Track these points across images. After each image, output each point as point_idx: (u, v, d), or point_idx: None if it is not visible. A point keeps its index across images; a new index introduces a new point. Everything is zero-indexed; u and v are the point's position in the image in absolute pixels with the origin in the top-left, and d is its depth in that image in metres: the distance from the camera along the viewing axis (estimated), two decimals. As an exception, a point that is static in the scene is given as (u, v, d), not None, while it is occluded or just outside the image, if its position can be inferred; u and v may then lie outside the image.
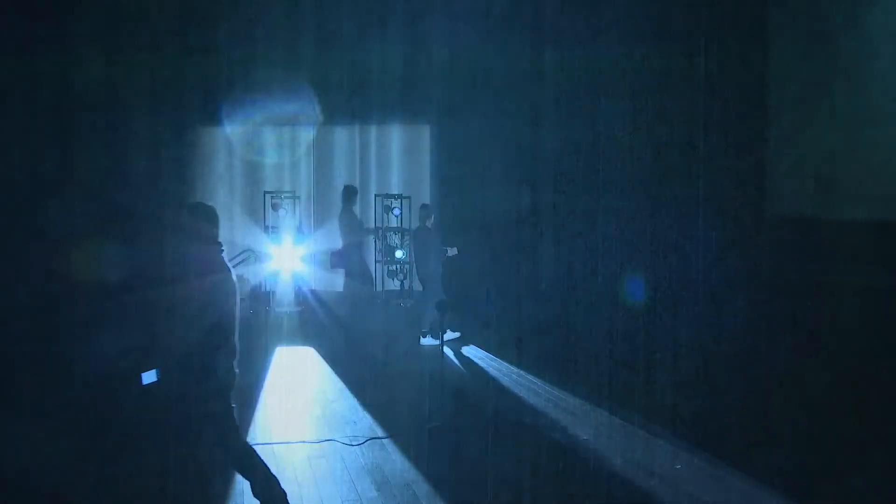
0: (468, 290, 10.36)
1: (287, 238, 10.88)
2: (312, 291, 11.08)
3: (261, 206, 11.51)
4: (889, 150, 8.01)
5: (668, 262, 9.72)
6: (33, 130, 9.25)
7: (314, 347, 8.19)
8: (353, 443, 4.99)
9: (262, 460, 3.83)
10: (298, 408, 5.95)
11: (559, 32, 10.22)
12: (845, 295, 7.87)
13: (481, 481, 4.41)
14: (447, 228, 10.31)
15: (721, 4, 9.42)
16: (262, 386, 6.53)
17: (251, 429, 5.31)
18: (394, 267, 11.64)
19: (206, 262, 3.72)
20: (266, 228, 11.17)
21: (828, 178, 8.60)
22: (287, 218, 11.08)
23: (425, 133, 12.45)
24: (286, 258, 10.79)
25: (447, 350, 7.94)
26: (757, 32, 9.31)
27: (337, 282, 12.03)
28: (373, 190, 12.34)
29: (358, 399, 6.10)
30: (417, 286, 11.81)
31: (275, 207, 11.11)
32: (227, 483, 4.33)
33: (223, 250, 3.87)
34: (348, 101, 11.62)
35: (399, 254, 11.37)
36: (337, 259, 11.58)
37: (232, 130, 11.78)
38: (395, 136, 12.54)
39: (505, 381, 6.76)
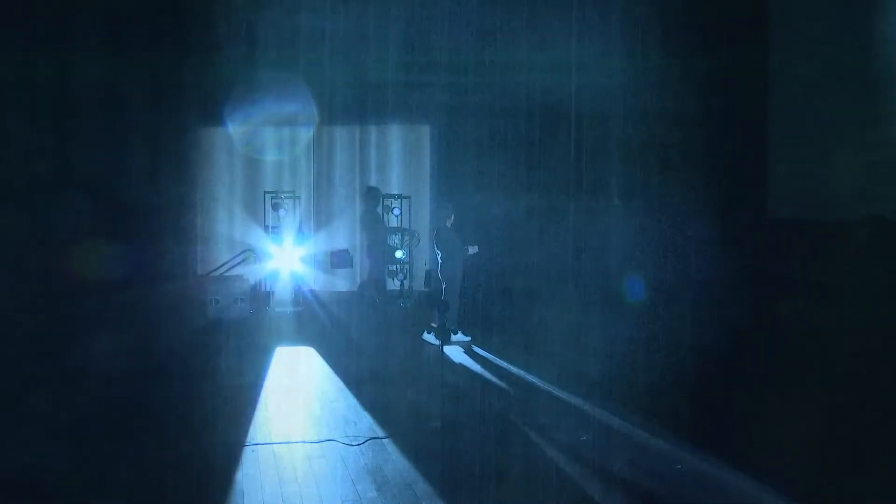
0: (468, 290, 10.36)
1: (287, 238, 10.89)
2: (312, 291, 11.08)
3: (261, 206, 11.52)
4: (889, 150, 8.01)
5: (668, 262, 9.73)
6: (33, 130, 9.25)
7: (314, 347, 8.19)
8: (353, 443, 4.99)
9: None
10: (298, 408, 5.95)
11: (559, 31, 10.22)
12: (845, 295, 7.88)
13: (481, 481, 4.41)
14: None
15: (721, 4, 9.43)
16: (262, 386, 6.53)
17: (251, 429, 5.31)
18: (394, 267, 11.63)
19: None
20: (266, 228, 11.18)
21: (828, 179, 8.60)
22: (287, 218, 11.08)
23: (425, 133, 12.46)
24: (286, 258, 10.79)
25: (447, 350, 7.94)
26: (757, 32, 9.31)
27: (336, 282, 12.04)
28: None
29: (358, 399, 6.10)
30: (417, 286, 11.82)
31: (275, 207, 11.11)
32: (228, 483, 4.33)
33: None
34: (348, 101, 11.63)
35: (399, 254, 11.37)
36: (336, 259, 11.59)
37: (232, 130, 11.78)
38: (395, 136, 12.54)
39: (505, 380, 6.76)
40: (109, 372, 6.75)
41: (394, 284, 11.69)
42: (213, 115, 11.46)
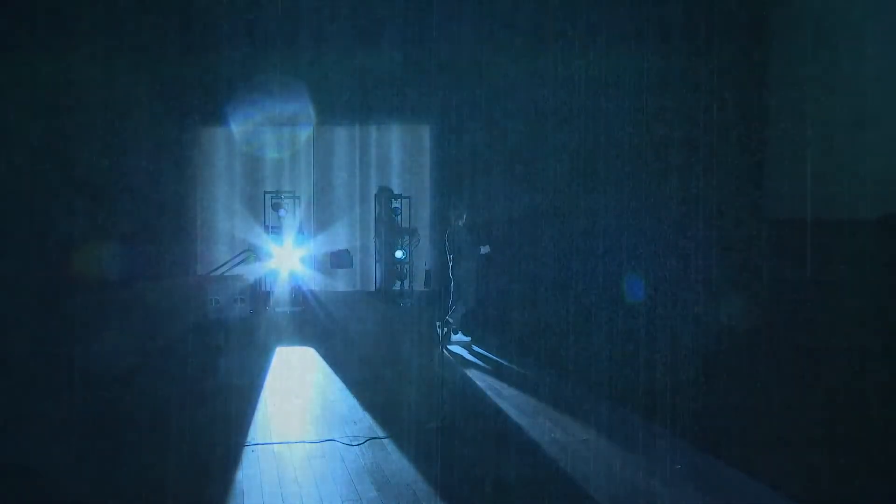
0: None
1: (287, 238, 10.89)
2: (312, 291, 11.08)
3: (261, 206, 11.52)
4: (889, 150, 8.01)
5: (668, 262, 9.73)
6: (33, 130, 9.25)
7: (314, 347, 8.19)
8: (353, 443, 4.99)
9: None
10: (298, 408, 5.95)
11: (559, 32, 10.22)
12: (845, 295, 7.88)
13: (481, 481, 4.41)
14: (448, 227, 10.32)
15: (721, 4, 9.43)
16: (262, 386, 6.54)
17: (251, 429, 5.31)
18: (394, 267, 11.64)
19: None
20: (266, 228, 11.17)
21: (827, 178, 8.60)
22: (287, 218, 11.08)
23: (425, 133, 12.46)
24: (286, 258, 10.79)
25: (447, 350, 7.94)
26: (757, 32, 9.31)
27: (336, 282, 12.04)
28: (373, 190, 12.35)
29: (358, 399, 6.10)
30: (418, 286, 11.82)
31: (275, 207, 11.11)
32: (228, 483, 4.33)
33: None
34: (348, 101, 11.63)
35: (399, 254, 11.37)
36: (336, 259, 11.59)
37: (232, 130, 11.78)
38: (395, 136, 12.54)
39: (505, 380, 6.76)
40: (109, 372, 6.76)
41: (394, 284, 11.70)
42: (214, 114, 11.47)
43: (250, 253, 11.03)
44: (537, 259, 10.61)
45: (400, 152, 12.54)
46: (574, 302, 9.91)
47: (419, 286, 11.85)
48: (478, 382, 6.71)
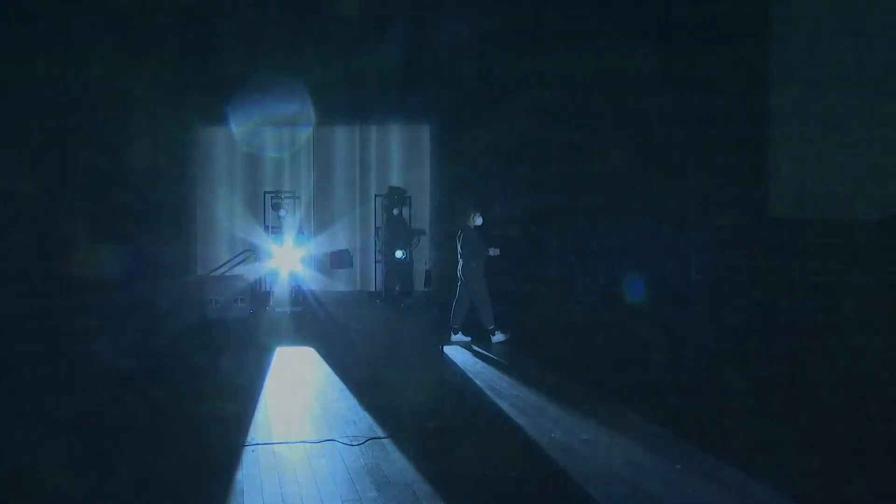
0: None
1: (287, 238, 10.89)
2: (311, 291, 11.09)
3: (261, 206, 11.52)
4: (889, 150, 8.01)
5: (668, 262, 9.73)
6: (33, 130, 9.25)
7: (314, 347, 8.19)
8: (353, 443, 4.99)
9: None
10: (298, 408, 5.95)
11: (559, 32, 10.22)
12: (845, 295, 7.88)
13: (481, 481, 4.41)
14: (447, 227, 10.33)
15: (721, 4, 9.43)
16: (262, 386, 6.53)
17: (251, 429, 5.31)
18: (400, 268, 11.64)
19: None
20: (266, 228, 11.18)
21: (828, 179, 8.61)
22: (287, 218, 11.09)
23: (425, 133, 12.46)
24: (286, 258, 10.80)
25: (447, 350, 7.94)
26: (757, 32, 9.31)
27: (336, 282, 12.04)
28: (373, 190, 12.35)
29: (358, 399, 6.09)
30: (418, 286, 11.83)
31: (275, 207, 11.11)
32: (228, 483, 4.33)
33: None
34: (348, 101, 11.63)
35: (399, 254, 11.37)
36: (336, 259, 11.59)
37: (232, 130, 11.79)
38: (395, 136, 12.55)
39: (505, 380, 6.76)
40: (109, 371, 6.76)
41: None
42: (214, 114, 11.47)
43: (250, 253, 11.03)
44: (536, 258, 10.61)
45: (400, 152, 12.54)
46: (574, 301, 9.92)
47: (419, 286, 11.86)
48: (478, 382, 6.70)
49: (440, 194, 12.00)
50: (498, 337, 8.32)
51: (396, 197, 11.53)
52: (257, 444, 4.99)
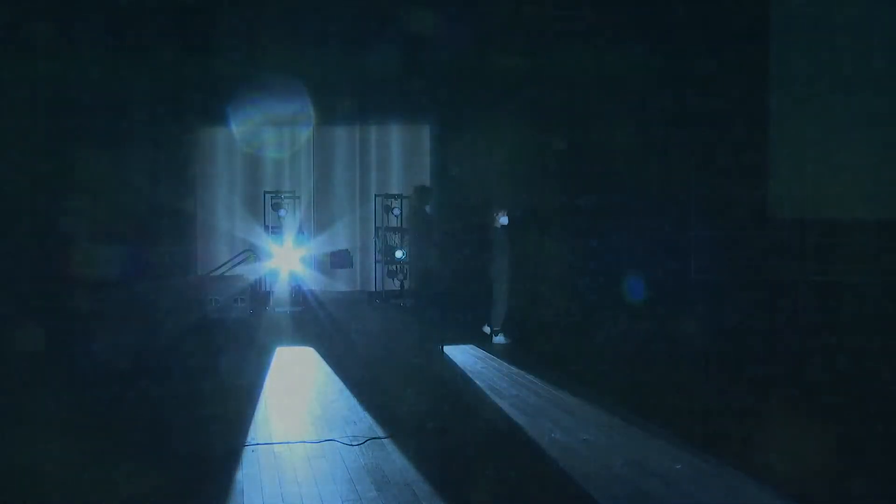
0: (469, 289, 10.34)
1: (287, 238, 10.89)
2: (311, 291, 11.09)
3: (261, 206, 11.52)
4: (889, 150, 8.01)
5: (669, 262, 9.73)
6: (33, 130, 9.25)
7: (314, 347, 8.19)
8: (353, 443, 4.99)
9: None
10: (298, 408, 5.95)
11: (559, 32, 10.22)
12: (845, 295, 7.88)
13: (481, 481, 4.41)
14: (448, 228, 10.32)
15: (721, 4, 9.43)
16: (262, 386, 6.53)
17: (251, 429, 5.31)
18: (393, 267, 11.64)
19: None
20: (266, 228, 11.18)
21: (828, 179, 8.61)
22: (287, 218, 11.09)
23: (425, 133, 12.46)
24: (286, 258, 10.79)
25: (447, 350, 7.93)
26: (757, 32, 9.31)
27: (336, 282, 12.04)
28: (373, 190, 12.35)
29: (358, 399, 6.10)
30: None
31: (275, 207, 11.11)
32: (228, 483, 4.33)
33: None
34: (348, 101, 11.63)
35: (399, 254, 11.37)
36: (336, 259, 11.59)
37: (232, 130, 11.78)
38: (395, 136, 12.54)
39: (505, 380, 6.76)
40: (109, 371, 6.76)
41: (394, 284, 11.70)
42: (214, 114, 11.47)
43: (250, 253, 11.04)
44: (536, 258, 10.60)
45: (400, 152, 12.54)
46: (574, 301, 9.91)
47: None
48: (478, 382, 6.70)
49: (439, 194, 11.98)
50: (499, 339, 8.37)
51: (423, 195, 11.35)
52: (257, 444, 4.99)
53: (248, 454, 4.79)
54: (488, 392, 6.36)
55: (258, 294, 10.80)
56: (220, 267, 11.10)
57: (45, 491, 4.24)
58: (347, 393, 6.31)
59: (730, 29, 9.30)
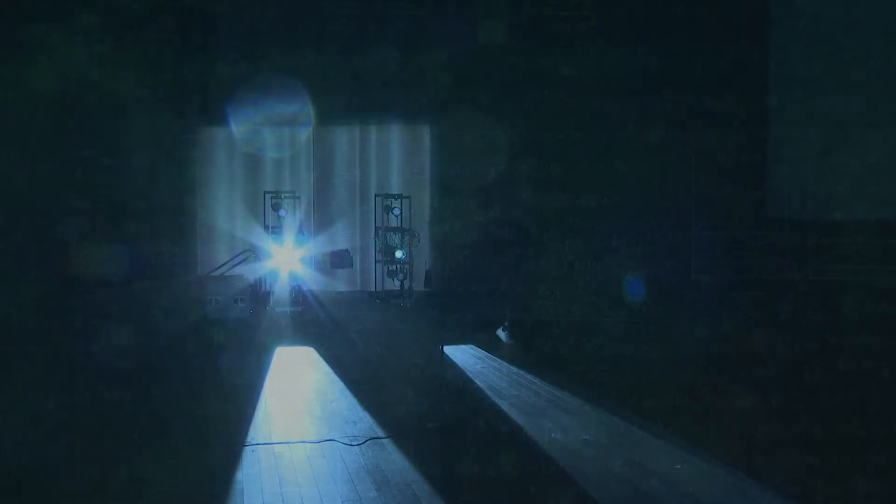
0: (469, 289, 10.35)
1: (287, 238, 10.89)
2: (311, 291, 11.09)
3: (261, 206, 11.52)
4: (889, 150, 8.01)
5: (669, 262, 9.73)
6: (33, 130, 9.25)
7: (314, 347, 8.18)
8: (353, 443, 4.99)
9: None
10: (298, 408, 5.95)
11: (559, 32, 10.22)
12: (845, 295, 7.88)
13: (481, 481, 4.41)
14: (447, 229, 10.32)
15: (721, 4, 9.43)
16: (262, 386, 6.53)
17: (251, 429, 5.31)
18: (393, 267, 11.64)
19: None
20: (266, 228, 11.17)
21: (827, 179, 8.61)
22: (287, 218, 11.09)
23: (425, 133, 12.45)
24: (286, 258, 10.79)
25: (447, 350, 7.93)
26: (757, 32, 9.32)
27: (336, 282, 12.04)
28: (373, 190, 12.34)
29: (358, 399, 6.10)
30: (418, 286, 11.82)
31: (275, 207, 11.11)
32: (228, 483, 4.33)
33: None
34: (348, 101, 11.62)
35: (399, 254, 11.37)
36: (336, 259, 11.59)
37: (232, 130, 11.78)
38: (395, 136, 12.54)
39: (505, 380, 6.76)
40: (109, 371, 6.76)
41: (394, 284, 11.70)
42: (214, 114, 11.46)
43: (250, 253, 11.03)
44: (537, 258, 10.60)
45: (400, 152, 12.53)
46: (574, 301, 9.91)
47: (419, 286, 11.85)
48: (478, 382, 6.70)
49: (439, 194, 11.99)
50: (503, 335, 8.38)
51: None
52: (257, 444, 4.99)
53: (248, 454, 4.80)
54: (488, 392, 6.36)
55: (258, 294, 10.80)
56: (220, 267, 11.10)
57: (45, 491, 4.24)
58: (347, 393, 6.31)
59: (730, 29, 9.30)
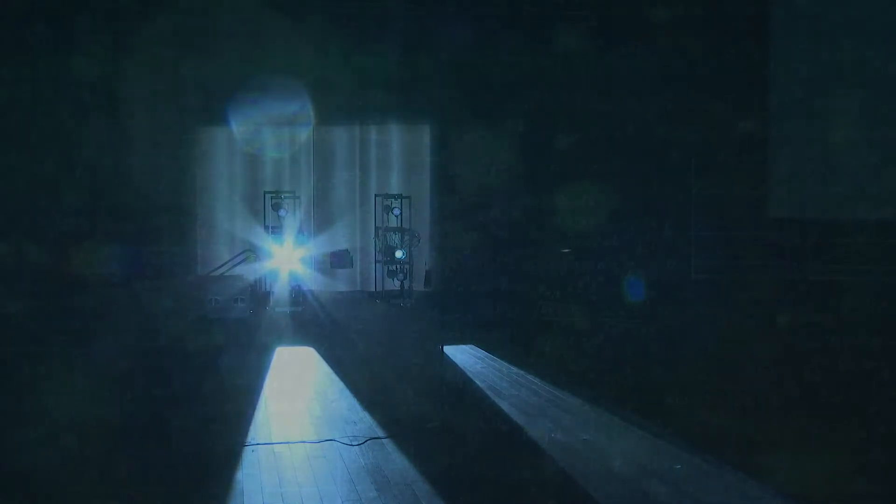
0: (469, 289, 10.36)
1: (287, 238, 10.89)
2: (311, 291, 11.08)
3: (261, 206, 11.51)
4: (889, 150, 8.01)
5: (669, 262, 9.73)
6: (33, 130, 9.25)
7: (314, 347, 8.19)
8: (353, 443, 4.99)
9: None
10: (298, 408, 5.95)
11: (559, 32, 10.22)
12: (845, 295, 7.88)
13: (481, 481, 4.41)
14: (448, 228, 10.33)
15: (721, 4, 9.43)
16: (262, 386, 6.53)
17: (251, 429, 5.31)
18: (393, 267, 11.63)
19: None
20: (266, 228, 11.17)
21: (828, 178, 8.61)
22: (287, 218, 11.08)
23: (425, 133, 12.45)
24: (286, 258, 10.79)
25: (447, 350, 7.94)
26: (757, 32, 9.32)
27: (336, 283, 12.03)
28: (373, 190, 12.34)
29: (358, 399, 6.10)
30: (418, 286, 11.82)
31: (275, 207, 11.11)
32: (228, 483, 4.33)
33: None
34: (348, 101, 11.62)
35: (399, 254, 11.36)
36: (336, 259, 11.58)
37: (232, 130, 11.77)
38: (395, 136, 12.53)
39: (505, 380, 6.76)
40: (109, 371, 6.76)
41: (394, 284, 11.69)
42: (214, 114, 11.46)
43: (250, 253, 11.03)
44: (537, 258, 10.60)
45: (400, 152, 12.53)
46: (574, 301, 9.92)
47: (419, 286, 11.85)
48: (478, 382, 6.70)
49: (440, 194, 11.99)
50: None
51: None
52: (257, 444, 4.99)
53: (248, 454, 4.80)
54: (488, 392, 6.36)
55: (258, 294, 10.79)
56: (220, 267, 11.09)
57: (46, 491, 4.24)
58: (347, 393, 6.31)
59: (730, 29, 9.30)
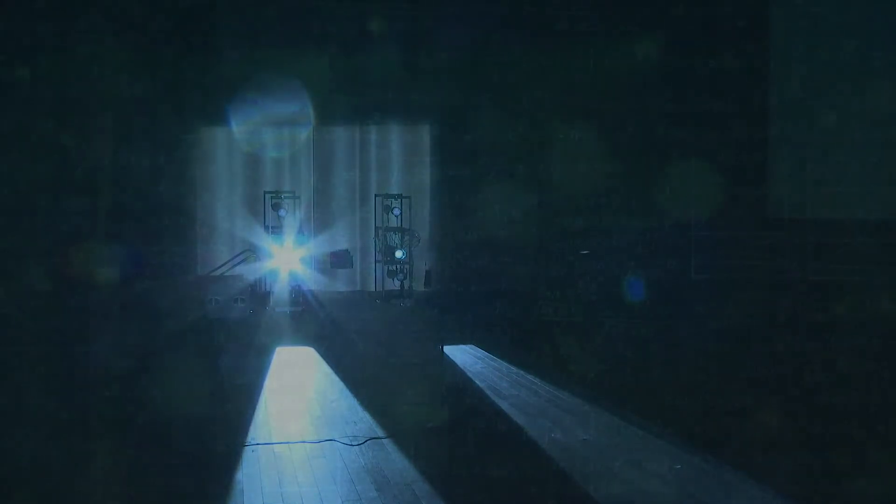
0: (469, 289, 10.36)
1: (287, 238, 10.89)
2: (311, 291, 11.08)
3: (261, 206, 11.52)
4: (889, 150, 8.01)
5: (669, 262, 9.73)
6: (33, 130, 9.25)
7: (314, 347, 8.19)
8: (353, 443, 4.99)
9: None
10: (298, 408, 5.95)
11: (559, 32, 10.22)
12: (845, 295, 7.88)
13: (481, 481, 4.41)
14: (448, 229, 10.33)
15: (721, 4, 9.43)
16: (262, 386, 6.53)
17: (251, 429, 5.31)
18: (393, 267, 11.64)
19: None
20: (266, 228, 11.17)
21: (828, 179, 8.61)
22: (287, 218, 11.09)
23: (425, 133, 12.45)
24: (286, 258, 10.79)
25: (447, 350, 7.94)
26: (757, 32, 9.32)
27: (336, 283, 12.04)
28: (373, 190, 12.34)
29: (358, 399, 6.10)
30: (418, 286, 11.82)
31: (275, 207, 11.11)
32: (228, 483, 4.33)
33: None
34: (348, 101, 11.62)
35: (399, 254, 11.37)
36: (336, 260, 11.59)
37: (232, 130, 11.77)
38: (395, 136, 12.53)
39: (505, 380, 6.76)
40: (109, 371, 6.76)
41: (394, 284, 11.70)
42: (214, 114, 11.46)
43: (250, 253, 11.03)
44: (537, 258, 10.60)
45: (400, 152, 12.53)
46: (574, 301, 9.92)
47: (419, 286, 11.85)
48: (478, 382, 6.71)
49: (440, 195, 11.99)
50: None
51: None
52: (257, 444, 4.99)
53: (248, 454, 4.80)
54: (488, 392, 6.36)
55: (258, 294, 10.80)
56: (220, 267, 11.10)
57: (46, 491, 4.24)
58: (347, 393, 6.31)
59: (730, 29, 9.30)
